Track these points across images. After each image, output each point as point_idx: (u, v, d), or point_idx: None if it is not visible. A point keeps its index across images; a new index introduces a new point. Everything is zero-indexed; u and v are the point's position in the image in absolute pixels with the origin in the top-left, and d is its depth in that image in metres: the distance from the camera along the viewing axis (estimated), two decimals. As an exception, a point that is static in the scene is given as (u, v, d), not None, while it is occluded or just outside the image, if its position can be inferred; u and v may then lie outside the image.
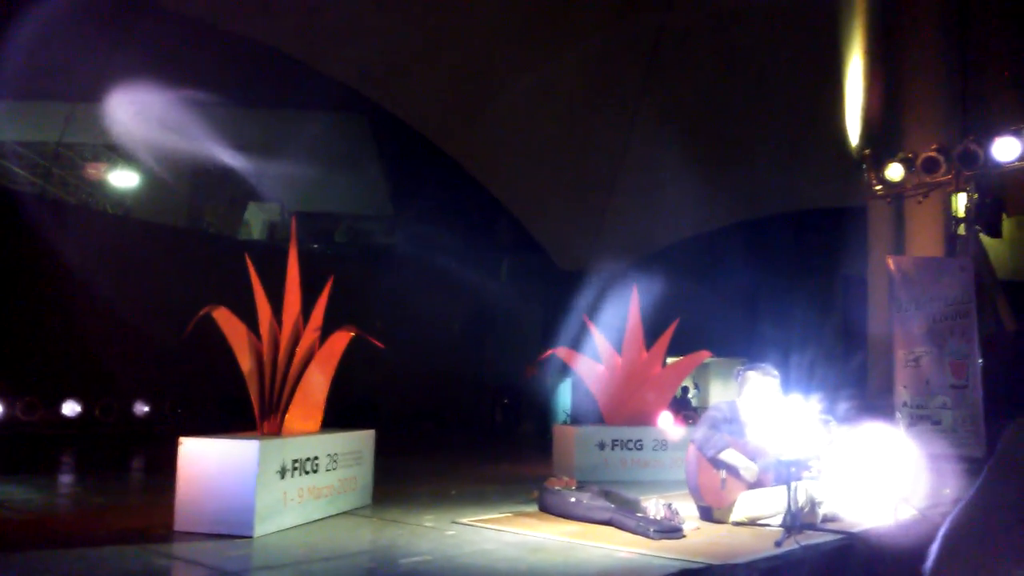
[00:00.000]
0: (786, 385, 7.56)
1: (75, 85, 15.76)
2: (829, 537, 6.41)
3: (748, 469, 6.92)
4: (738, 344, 17.93)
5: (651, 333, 11.41)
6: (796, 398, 7.35)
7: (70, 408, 15.83)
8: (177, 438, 6.39)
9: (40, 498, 8.44)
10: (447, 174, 20.26)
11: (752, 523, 6.88)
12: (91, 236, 16.41)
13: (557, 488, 7.44)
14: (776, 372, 7.37)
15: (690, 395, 19.26)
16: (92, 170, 20.75)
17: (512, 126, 18.52)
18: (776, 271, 18.44)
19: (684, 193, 16.78)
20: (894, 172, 12.63)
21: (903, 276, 10.89)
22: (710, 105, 18.03)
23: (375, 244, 24.34)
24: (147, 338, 15.69)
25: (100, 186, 21.52)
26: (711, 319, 16.09)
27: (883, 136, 13.41)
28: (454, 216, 21.99)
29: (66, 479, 10.57)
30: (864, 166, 13.25)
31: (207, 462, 6.25)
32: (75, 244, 15.87)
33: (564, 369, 18.99)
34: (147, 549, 5.72)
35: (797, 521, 6.33)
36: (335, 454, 7.35)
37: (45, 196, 20.37)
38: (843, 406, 8.89)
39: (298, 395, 7.17)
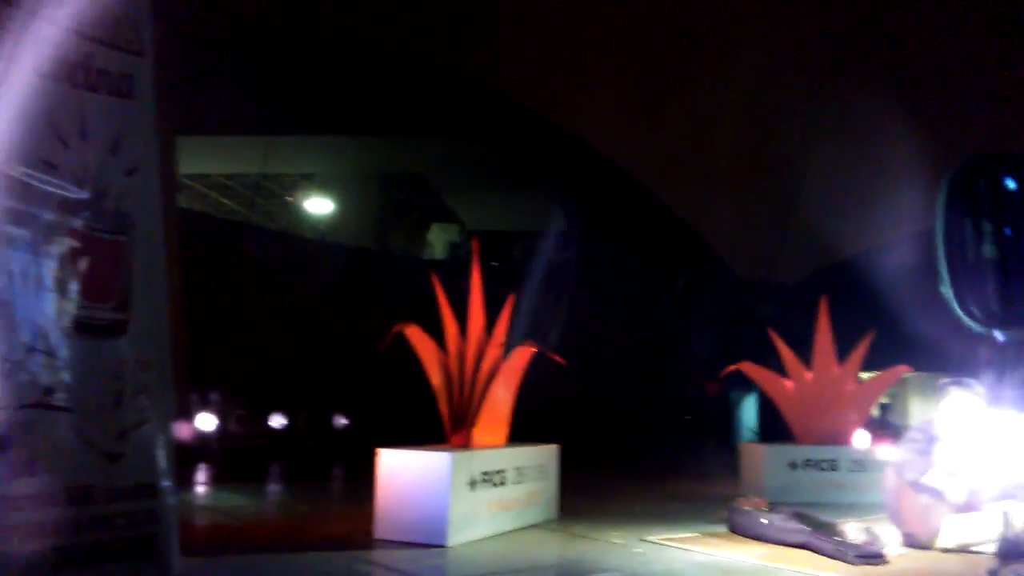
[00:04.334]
0: (996, 401, 6.96)
1: (274, 118, 17.08)
2: (1053, 567, 5.82)
3: (953, 492, 6.42)
4: (938, 358, 16.65)
5: (842, 347, 10.82)
6: (1008, 415, 6.75)
7: (276, 421, 17.06)
8: (373, 449, 6.73)
9: (250, 505, 9.14)
10: (622, 188, 20.24)
11: (963, 550, 6.37)
12: (291, 260, 17.68)
13: (747, 508, 7.22)
14: (981, 387, 6.81)
15: (889, 415, 18.08)
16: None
17: (689, 135, 18.23)
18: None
19: (886, 193, 15.70)
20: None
21: None
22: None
23: (551, 261, 24.64)
24: (343, 354, 16.68)
25: (298, 212, 23.14)
26: (909, 331, 15.03)
27: None
28: (629, 230, 21.91)
29: (273, 487, 11.38)
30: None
31: (403, 472, 6.55)
32: (277, 267, 17.17)
33: (748, 384, 18.40)
34: (349, 555, 6.05)
35: (1013, 548, 5.80)
36: (522, 467, 7.49)
37: (250, 223, 22.17)
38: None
39: (485, 408, 7.37)
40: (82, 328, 3.42)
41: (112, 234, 3.60)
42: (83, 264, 3.46)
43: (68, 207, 3.38)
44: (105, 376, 3.50)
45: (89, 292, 3.48)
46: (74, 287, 3.43)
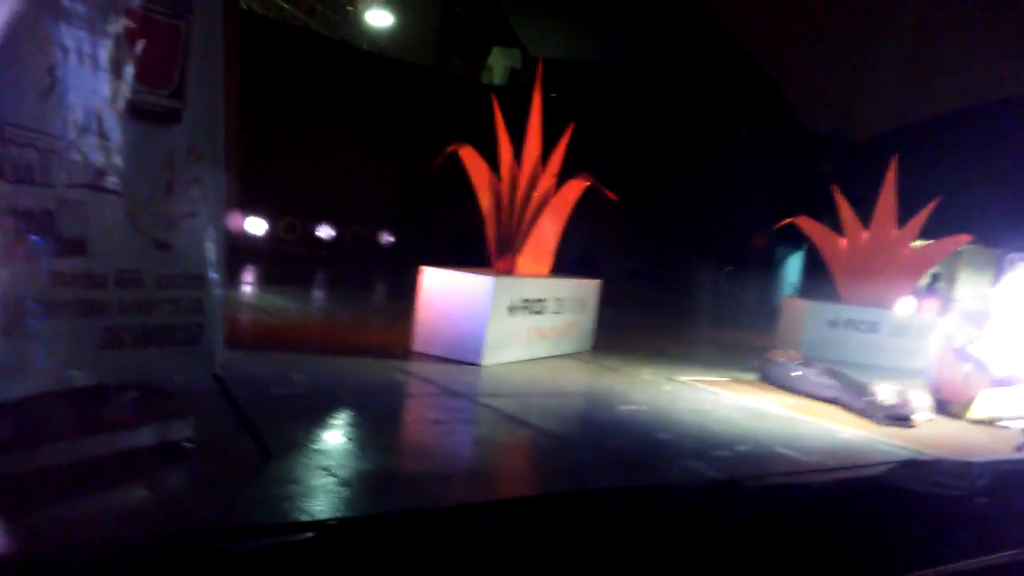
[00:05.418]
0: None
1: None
2: (1081, 449, 5.83)
3: (998, 365, 6.36)
4: (1000, 234, 16.10)
5: (903, 211, 10.48)
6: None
7: (325, 232, 17.35)
8: (418, 267, 6.81)
9: (295, 308, 9.44)
10: (697, 25, 19.21)
11: (991, 423, 6.39)
12: (348, 72, 17.35)
13: (781, 360, 7.26)
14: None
15: (938, 284, 17.76)
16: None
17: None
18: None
19: (969, 56, 14.65)
20: None
21: None
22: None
23: (613, 95, 23.87)
24: (395, 171, 16.67)
25: (359, 23, 22.50)
26: (974, 203, 14.45)
27: None
28: (698, 70, 21.00)
29: (318, 295, 11.70)
30: None
31: (445, 292, 6.65)
32: (334, 79, 16.89)
33: (796, 240, 18.09)
34: (387, 363, 6.25)
35: (1046, 427, 5.80)
36: (562, 299, 7.56)
37: (308, 30, 21.65)
38: None
39: (532, 237, 7.36)
40: (136, 112, 3.37)
41: (170, 17, 3.49)
42: (140, 46, 3.36)
43: (127, -16, 3.26)
44: (157, 163, 3.48)
45: (145, 76, 3.40)
46: (130, 69, 3.34)
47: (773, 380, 7.13)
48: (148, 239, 3.41)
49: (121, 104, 3.32)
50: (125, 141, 3.33)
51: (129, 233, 3.34)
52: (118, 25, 3.28)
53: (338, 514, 3.08)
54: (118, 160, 3.30)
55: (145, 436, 3.36)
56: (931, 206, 10.39)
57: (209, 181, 3.65)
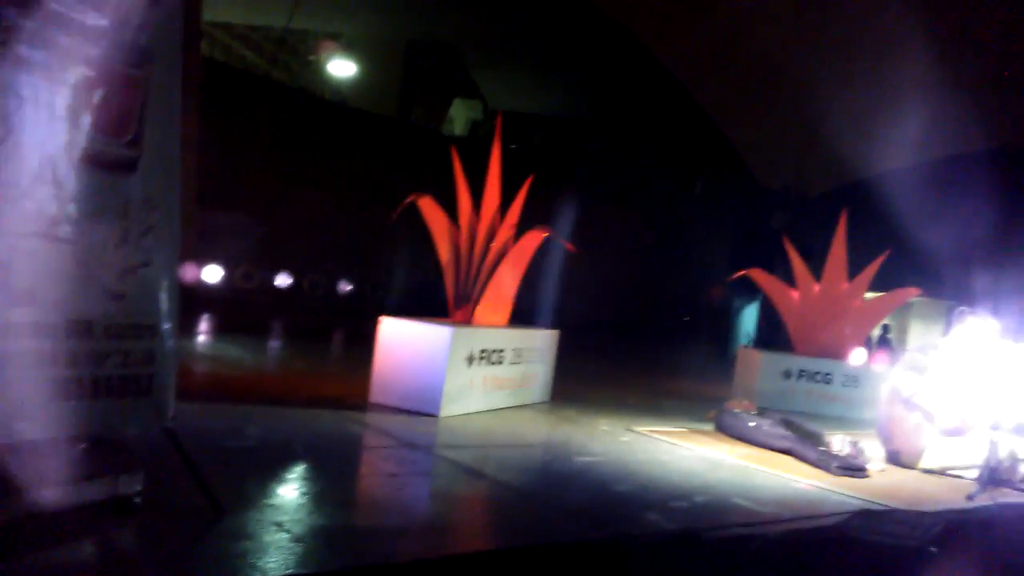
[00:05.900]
0: (1003, 336, 6.95)
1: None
2: (1030, 499, 5.95)
3: (945, 416, 6.49)
4: (949, 286, 16.54)
5: (853, 264, 10.75)
6: (1014, 348, 6.75)
7: (282, 280, 17.20)
8: (376, 317, 6.79)
9: (249, 358, 9.30)
10: (655, 82, 19.66)
11: (943, 472, 6.49)
12: (310, 121, 17.40)
13: (736, 411, 7.33)
14: (996, 321, 6.79)
15: (889, 335, 18.13)
16: (322, 49, 21.76)
17: (732, 38, 17.56)
18: (1019, 209, 16.52)
19: (918, 112, 15.18)
20: None
21: None
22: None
23: (572, 148, 24.24)
24: (354, 220, 16.65)
25: (320, 73, 22.64)
26: (923, 256, 14.85)
27: None
28: (655, 125, 21.43)
29: (273, 344, 11.57)
30: None
31: (403, 342, 6.62)
32: (295, 127, 16.92)
33: (752, 292, 18.40)
34: (343, 415, 6.18)
35: (994, 476, 5.90)
36: (520, 348, 7.57)
37: (270, 79, 21.73)
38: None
39: (490, 288, 7.39)
40: (92, 161, 3.34)
41: (130, 67, 3.49)
42: (98, 95, 3.35)
43: (86, 33, 3.26)
44: (112, 212, 3.45)
45: (102, 125, 3.38)
46: (87, 118, 3.33)
47: (729, 431, 7.18)
48: (101, 289, 3.36)
49: (77, 152, 3.29)
50: (80, 189, 3.29)
51: (81, 283, 3.29)
52: (77, 74, 3.27)
53: (291, 571, 3.02)
54: (72, 209, 3.26)
55: (94, 490, 3.27)
56: (880, 259, 10.66)
57: (164, 230, 3.62)
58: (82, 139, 3.33)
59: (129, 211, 3.50)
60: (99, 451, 3.46)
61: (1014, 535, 5.49)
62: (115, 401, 3.36)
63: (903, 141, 17.06)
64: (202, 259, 15.15)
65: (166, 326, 3.58)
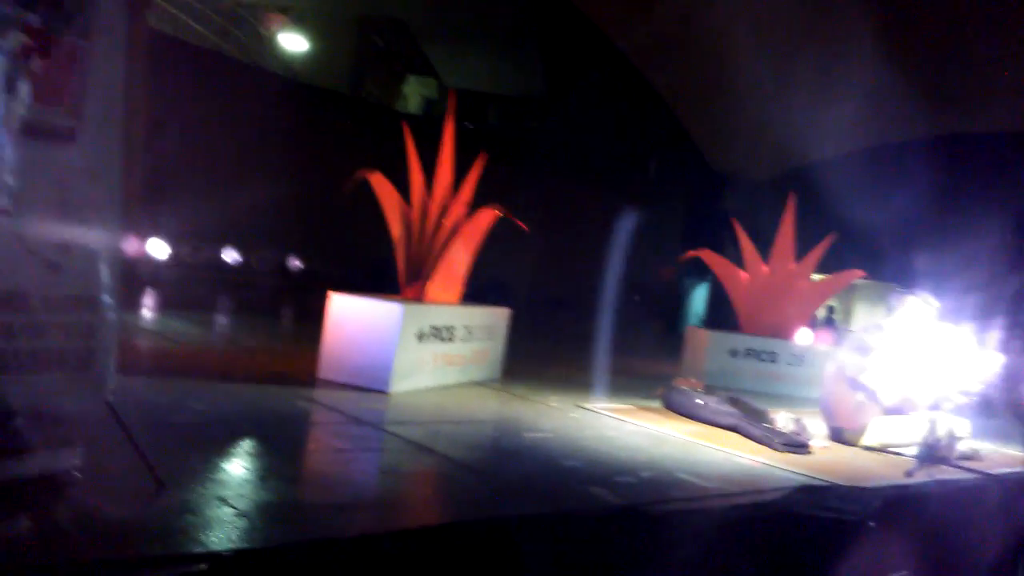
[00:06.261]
0: (943, 317, 7.16)
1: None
2: (964, 475, 6.14)
3: (887, 394, 6.67)
4: (891, 269, 16.96)
5: (801, 247, 10.95)
6: (953, 330, 6.96)
7: (230, 256, 16.95)
8: (326, 293, 6.73)
9: (195, 333, 9.16)
10: (608, 63, 19.69)
11: (883, 450, 6.68)
12: (261, 95, 17.09)
13: (684, 388, 7.44)
14: (937, 302, 6.99)
15: (834, 316, 18.56)
16: (272, 22, 21.36)
17: (687, 17, 17.63)
18: (957, 194, 16.96)
19: (865, 100, 15.48)
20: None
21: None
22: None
23: (526, 127, 24.23)
24: (304, 197, 16.43)
25: (272, 47, 22.25)
26: (867, 239, 15.20)
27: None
28: (608, 106, 21.50)
29: (220, 320, 11.39)
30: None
31: (353, 318, 6.58)
32: (246, 102, 16.61)
33: (702, 273, 18.65)
34: (291, 391, 6.12)
35: (933, 453, 6.09)
36: (471, 326, 7.58)
37: (220, 52, 21.28)
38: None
39: (442, 265, 7.37)
40: (30, 131, 3.26)
41: (70, 35, 3.40)
42: (36, 63, 3.27)
43: (25, 0, 3.18)
44: (51, 183, 3.37)
45: (41, 94, 3.30)
46: (25, 87, 3.24)
47: (676, 408, 7.29)
48: (38, 260, 3.29)
49: (14, 122, 3.21)
50: (16, 159, 3.21)
51: (19, 253, 3.21)
52: (15, 42, 3.18)
53: (234, 545, 3.00)
54: (8, 178, 3.18)
55: (30, 465, 3.21)
56: (827, 242, 10.87)
57: (104, 202, 3.54)
58: (19, 107, 3.24)
59: (68, 182, 3.43)
60: (37, 425, 3.39)
61: (950, 510, 5.68)
62: (54, 374, 3.29)
63: (849, 128, 17.41)
64: (148, 233, 14.84)
65: (106, 299, 3.51)
